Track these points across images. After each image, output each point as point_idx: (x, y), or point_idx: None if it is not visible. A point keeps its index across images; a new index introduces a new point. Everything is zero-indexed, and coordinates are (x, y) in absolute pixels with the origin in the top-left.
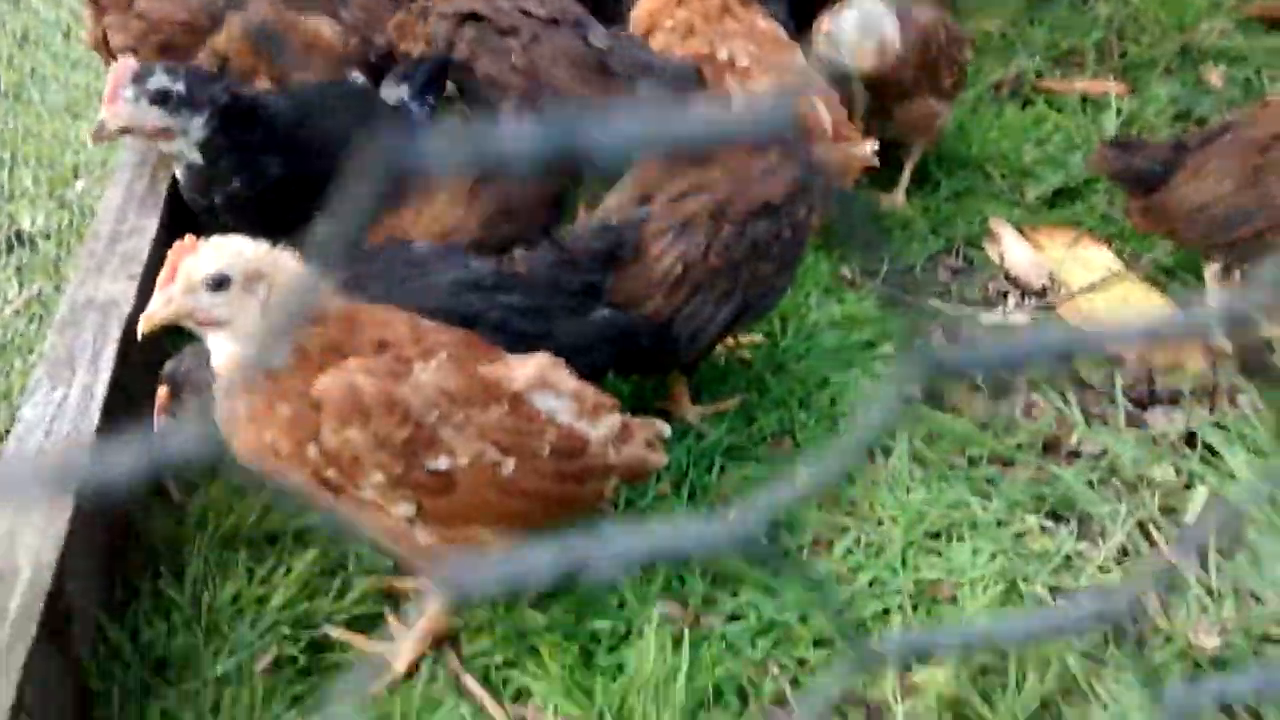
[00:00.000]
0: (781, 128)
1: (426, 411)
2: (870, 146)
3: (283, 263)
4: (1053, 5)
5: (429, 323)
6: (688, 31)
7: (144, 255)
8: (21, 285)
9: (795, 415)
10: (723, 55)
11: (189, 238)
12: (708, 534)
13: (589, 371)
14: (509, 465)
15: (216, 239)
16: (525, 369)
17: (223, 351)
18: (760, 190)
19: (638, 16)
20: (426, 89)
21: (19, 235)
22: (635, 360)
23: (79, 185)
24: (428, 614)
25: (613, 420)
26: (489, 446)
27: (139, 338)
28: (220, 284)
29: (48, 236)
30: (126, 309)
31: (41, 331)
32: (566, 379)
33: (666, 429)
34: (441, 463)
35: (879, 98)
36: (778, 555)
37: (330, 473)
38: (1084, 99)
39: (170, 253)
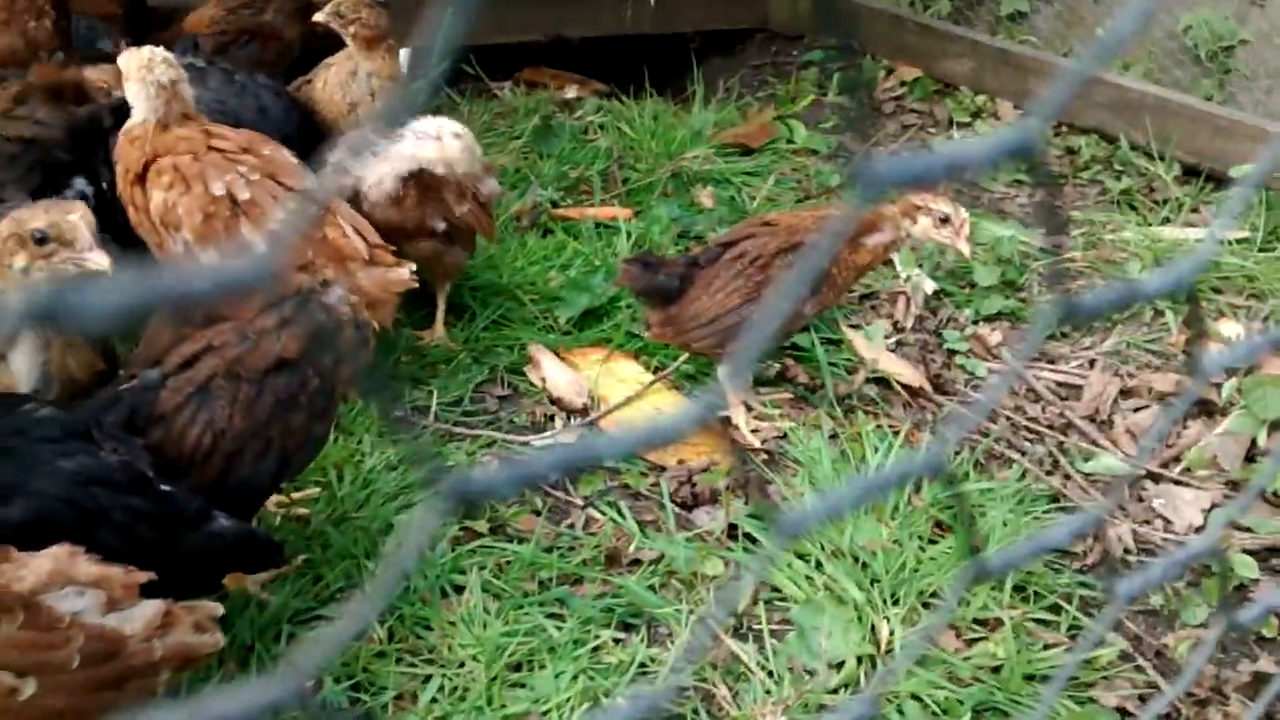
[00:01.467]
0: (263, 279)
1: None
2: (406, 269)
3: None
4: (557, 139)
5: None
6: (183, 181)
7: None
8: None
9: (364, 566)
10: (218, 190)
11: None
12: (257, 698)
13: (208, 583)
14: (29, 687)
15: None
16: (37, 565)
17: None
18: (274, 345)
19: (122, 180)
20: None
21: None
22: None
23: None
24: None
25: (149, 608)
26: (1, 671)
27: None
28: None
29: None
30: None
31: None
32: (87, 567)
33: (218, 608)
34: None
35: (385, 237)
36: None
37: None
38: (597, 224)
39: None
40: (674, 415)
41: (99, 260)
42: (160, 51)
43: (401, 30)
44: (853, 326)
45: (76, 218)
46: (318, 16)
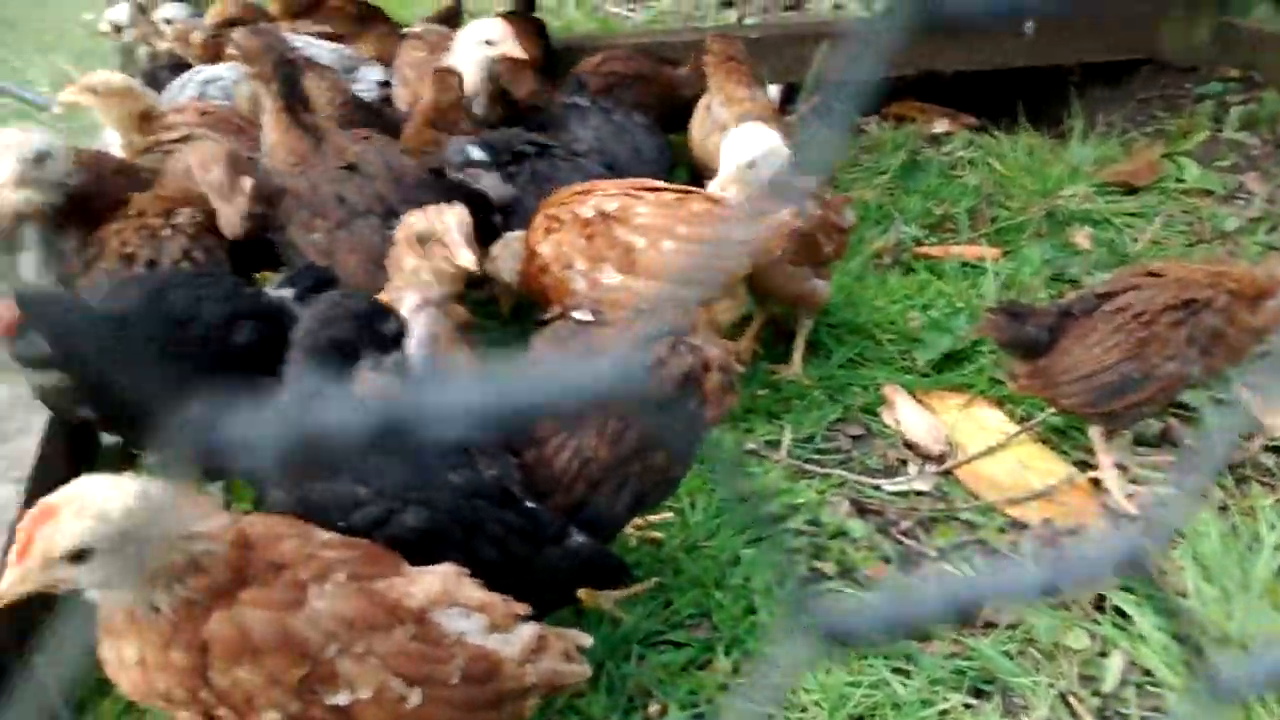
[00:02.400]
0: (636, 385)
1: (324, 645)
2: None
3: (157, 512)
4: (924, 175)
5: (321, 533)
6: (556, 221)
7: (31, 457)
8: None
9: (712, 595)
10: (587, 213)
11: (45, 503)
12: None
13: (563, 598)
14: (415, 697)
15: (81, 497)
16: (427, 583)
17: (105, 600)
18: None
19: (526, 266)
20: (308, 294)
21: None
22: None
23: None
24: None
25: (526, 633)
26: (393, 677)
27: None
28: (81, 557)
29: None
30: (11, 515)
31: None
32: (473, 590)
33: (586, 639)
34: (341, 698)
35: (755, 285)
36: None
37: (221, 712)
38: (962, 263)
39: (24, 521)
40: (1096, 551)
41: (466, 257)
42: None
43: (775, 67)
44: (1249, 387)
45: (449, 217)
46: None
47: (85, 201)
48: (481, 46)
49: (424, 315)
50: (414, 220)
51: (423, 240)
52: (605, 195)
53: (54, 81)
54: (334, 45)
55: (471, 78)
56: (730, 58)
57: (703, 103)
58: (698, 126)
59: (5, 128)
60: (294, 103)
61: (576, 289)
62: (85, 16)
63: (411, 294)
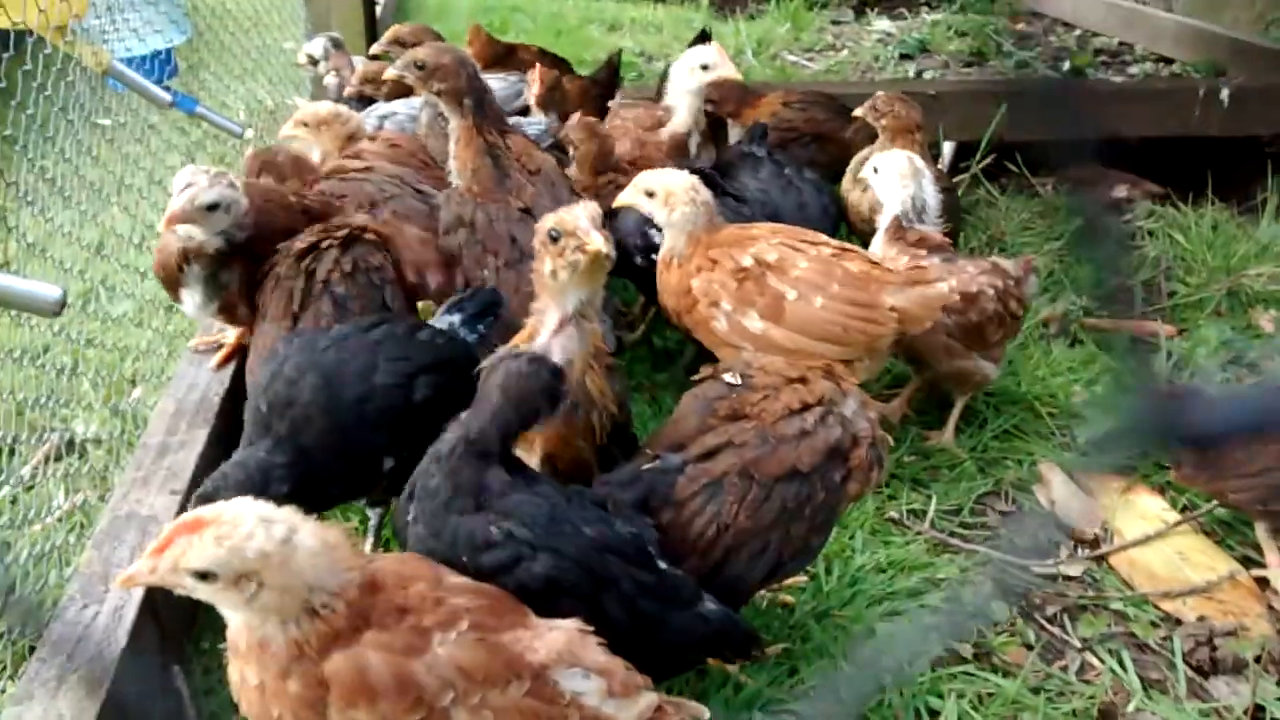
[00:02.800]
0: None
1: (440, 694)
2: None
3: (288, 556)
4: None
5: (452, 577)
6: (711, 262)
7: (189, 470)
8: (67, 493)
9: (841, 667)
10: (745, 261)
11: (196, 515)
12: None
13: (686, 663)
14: None
15: (228, 523)
16: (551, 639)
17: (231, 621)
18: (790, 454)
19: (675, 301)
20: (477, 318)
21: (71, 442)
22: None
23: (134, 394)
24: None
25: (644, 702)
26: None
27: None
28: (205, 577)
29: (99, 443)
30: (168, 526)
31: (81, 543)
32: (595, 653)
33: (704, 712)
34: None
35: (914, 355)
36: None
37: None
38: (1133, 338)
39: (172, 524)
40: None
41: (595, 240)
42: (692, 178)
43: (950, 124)
44: None
45: (578, 209)
46: (857, 111)
47: (251, 242)
48: (698, 72)
49: (560, 339)
50: (545, 220)
51: (554, 238)
52: (768, 244)
53: (249, 107)
54: (499, 77)
55: (687, 108)
56: (916, 126)
57: (859, 158)
58: (850, 177)
59: (191, 165)
60: (483, 120)
61: (717, 328)
62: (286, 45)
63: (553, 312)
